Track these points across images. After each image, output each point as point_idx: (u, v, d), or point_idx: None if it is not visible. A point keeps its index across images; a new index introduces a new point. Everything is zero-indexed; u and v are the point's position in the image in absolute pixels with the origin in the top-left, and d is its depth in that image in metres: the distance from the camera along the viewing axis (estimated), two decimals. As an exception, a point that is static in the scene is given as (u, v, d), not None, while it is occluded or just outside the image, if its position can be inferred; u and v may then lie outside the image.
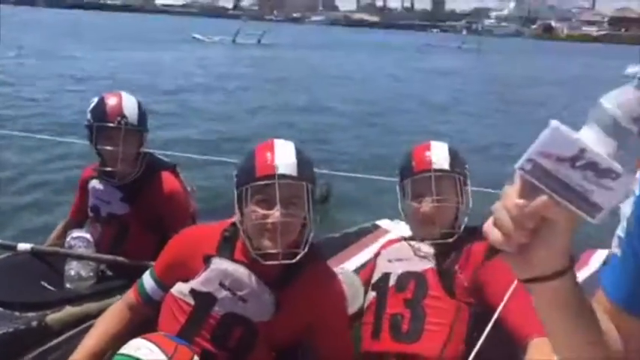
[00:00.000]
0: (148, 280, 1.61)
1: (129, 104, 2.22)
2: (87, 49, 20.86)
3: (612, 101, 0.54)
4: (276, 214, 1.39)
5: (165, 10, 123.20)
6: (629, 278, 0.69)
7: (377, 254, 1.84)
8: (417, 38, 55.83)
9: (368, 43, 42.20)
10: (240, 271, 1.46)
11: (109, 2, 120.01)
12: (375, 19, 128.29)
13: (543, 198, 0.55)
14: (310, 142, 7.52)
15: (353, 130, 9.53)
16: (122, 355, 1.32)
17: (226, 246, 1.52)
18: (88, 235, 2.28)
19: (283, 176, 1.40)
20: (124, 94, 2.25)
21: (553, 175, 0.54)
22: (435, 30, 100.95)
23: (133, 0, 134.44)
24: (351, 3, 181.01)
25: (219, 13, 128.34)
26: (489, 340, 1.36)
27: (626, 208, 0.67)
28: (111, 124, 2.16)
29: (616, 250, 0.71)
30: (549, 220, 0.56)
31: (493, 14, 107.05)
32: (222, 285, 1.45)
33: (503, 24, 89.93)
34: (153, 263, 1.69)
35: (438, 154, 1.68)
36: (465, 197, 1.68)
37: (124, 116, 2.18)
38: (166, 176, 2.30)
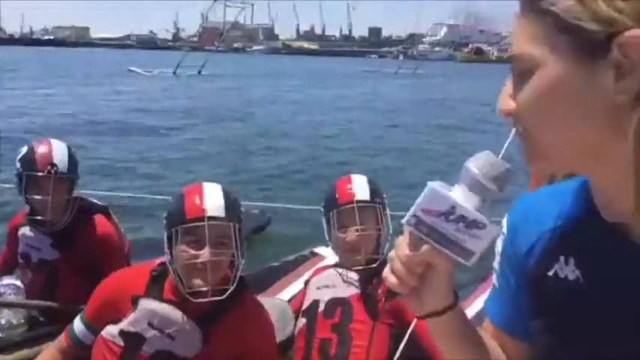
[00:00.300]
0: (78, 324, 1.64)
1: (58, 152, 2.20)
2: (16, 85, 20.20)
3: (475, 164, 0.62)
4: (205, 253, 1.46)
5: (102, 44, 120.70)
6: (506, 305, 0.77)
7: (307, 282, 1.93)
8: (356, 64, 57.34)
9: (308, 71, 42.95)
10: (168, 310, 1.51)
11: (42, 38, 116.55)
12: (314, 46, 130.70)
13: (426, 247, 0.63)
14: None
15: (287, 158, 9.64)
16: None
17: (155, 286, 1.56)
18: (18, 282, 2.26)
19: (212, 218, 1.48)
20: (54, 142, 2.24)
21: (433, 227, 0.62)
22: (373, 56, 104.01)
23: (67, 34, 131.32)
24: (290, 31, 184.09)
25: (159, 45, 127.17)
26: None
27: (499, 244, 0.76)
28: (40, 174, 2.14)
29: (494, 281, 0.80)
30: (433, 265, 0.65)
31: (427, 39, 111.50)
32: (150, 325, 1.50)
33: (437, 49, 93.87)
34: (84, 307, 1.70)
35: (359, 186, 1.80)
36: (385, 224, 1.81)
37: (53, 165, 2.16)
38: (99, 219, 2.30)
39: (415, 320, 1.44)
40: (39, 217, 2.20)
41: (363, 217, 1.76)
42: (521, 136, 0.61)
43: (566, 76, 0.54)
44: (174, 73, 32.65)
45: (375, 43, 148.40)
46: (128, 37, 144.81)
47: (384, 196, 1.86)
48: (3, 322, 2.12)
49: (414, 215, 0.63)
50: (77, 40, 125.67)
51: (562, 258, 0.66)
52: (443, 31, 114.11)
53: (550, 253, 0.68)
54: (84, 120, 13.20)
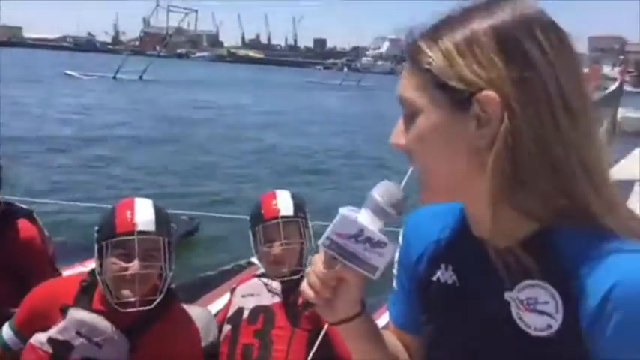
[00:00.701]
0: (7, 330, 1.70)
1: None
2: None
3: (378, 192, 0.74)
4: (135, 266, 1.56)
5: (36, 44, 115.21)
6: (403, 306, 0.91)
7: (232, 290, 2.03)
8: (301, 75, 57.68)
9: (251, 80, 42.82)
10: (96, 320, 1.59)
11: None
12: (259, 55, 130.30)
13: (338, 265, 0.74)
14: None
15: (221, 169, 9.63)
16: None
17: (84, 296, 1.65)
18: None
19: (142, 232, 1.57)
20: None
21: (344, 248, 0.74)
22: (318, 67, 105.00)
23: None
24: (235, 39, 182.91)
25: (98, 48, 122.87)
26: None
27: (396, 254, 0.90)
28: None
29: (394, 284, 0.93)
30: (344, 279, 0.76)
31: (370, 53, 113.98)
32: (78, 333, 1.58)
33: (380, 62, 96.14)
34: (7, 310, 1.76)
35: (283, 202, 1.94)
36: (307, 238, 1.94)
37: None
38: (23, 224, 2.32)
39: (327, 325, 1.59)
40: None
41: (287, 232, 1.90)
42: (415, 171, 0.75)
43: (441, 123, 0.68)
44: (114, 77, 31.73)
45: (320, 54, 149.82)
46: (64, 38, 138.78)
47: (306, 210, 1.99)
48: None
49: (328, 237, 0.74)
50: (9, 39, 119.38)
51: (443, 265, 0.81)
52: (385, 45, 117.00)
53: (434, 261, 0.82)
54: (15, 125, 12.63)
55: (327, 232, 0.75)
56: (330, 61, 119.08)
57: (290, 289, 1.89)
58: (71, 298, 1.63)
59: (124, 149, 11.24)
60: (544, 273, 0.67)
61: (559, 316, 0.66)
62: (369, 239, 0.73)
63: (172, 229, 1.69)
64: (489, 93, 0.63)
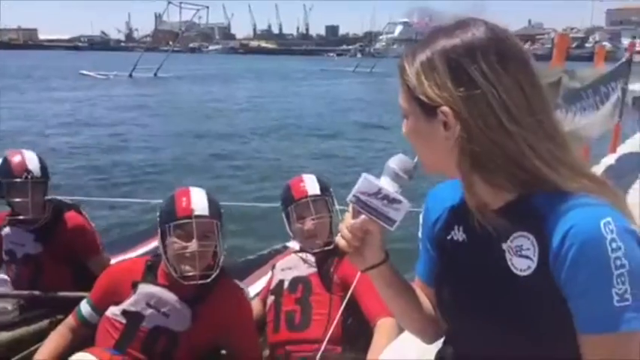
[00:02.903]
0: (85, 306, 1.95)
1: (31, 159, 2.54)
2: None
3: (393, 162, 0.93)
4: (194, 245, 1.77)
5: (51, 45, 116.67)
6: (425, 264, 1.07)
7: (273, 266, 2.25)
8: (314, 63, 57.57)
9: (265, 71, 42.89)
10: (163, 292, 1.83)
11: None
12: (272, 45, 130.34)
13: (363, 217, 0.91)
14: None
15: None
16: None
17: (150, 273, 1.88)
18: (4, 276, 2.59)
19: (198, 216, 1.79)
20: (25, 151, 2.59)
21: (366, 203, 0.90)
22: (331, 54, 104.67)
23: (14, 37, 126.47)
24: (247, 31, 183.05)
25: (112, 46, 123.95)
26: (359, 322, 1.91)
27: (421, 219, 1.09)
28: (18, 180, 2.47)
29: (420, 245, 1.10)
30: (369, 230, 0.92)
31: (383, 37, 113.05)
32: (148, 304, 1.81)
33: (394, 46, 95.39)
34: (61, 294, 2.13)
35: (311, 183, 2.15)
36: (335, 213, 2.15)
37: (29, 171, 2.49)
38: (72, 215, 2.65)
39: (354, 283, 1.81)
40: (21, 217, 2.52)
41: (317, 208, 2.10)
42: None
43: (420, 126, 0.88)
44: (130, 75, 32.06)
45: (332, 41, 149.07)
46: (78, 38, 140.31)
47: (331, 190, 2.21)
48: (-2, 308, 2.42)
49: (354, 195, 0.92)
50: (25, 42, 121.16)
51: (456, 227, 0.98)
52: (398, 29, 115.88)
53: (449, 223, 1.00)
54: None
55: (353, 191, 0.91)
56: (343, 47, 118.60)
57: (323, 259, 2.10)
58: (139, 276, 1.87)
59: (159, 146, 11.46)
60: (526, 226, 0.85)
61: (535, 259, 0.83)
62: (386, 197, 0.90)
63: (222, 214, 1.91)
64: (445, 108, 0.83)
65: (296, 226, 2.15)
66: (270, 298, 2.16)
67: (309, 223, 2.11)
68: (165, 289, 1.82)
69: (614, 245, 0.76)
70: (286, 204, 2.16)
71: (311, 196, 2.12)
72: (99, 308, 1.90)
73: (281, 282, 2.15)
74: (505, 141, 0.82)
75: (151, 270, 1.88)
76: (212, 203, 1.85)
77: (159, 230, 1.83)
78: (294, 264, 2.16)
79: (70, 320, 1.97)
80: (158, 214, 1.86)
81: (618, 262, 0.76)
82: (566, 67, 4.78)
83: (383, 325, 1.87)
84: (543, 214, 0.83)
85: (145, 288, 1.83)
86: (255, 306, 2.25)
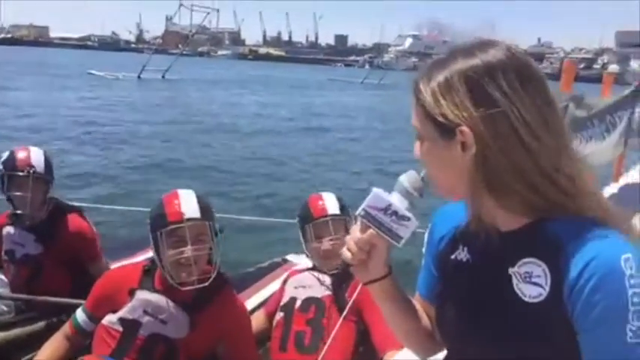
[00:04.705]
0: (80, 314, 1.90)
1: (36, 156, 2.51)
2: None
3: (405, 179, 0.92)
4: (188, 251, 1.71)
5: (61, 43, 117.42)
6: (426, 280, 1.07)
7: (285, 281, 2.18)
8: (322, 72, 57.71)
9: (273, 79, 42.96)
10: (160, 299, 1.77)
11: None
12: (280, 53, 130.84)
13: (371, 232, 0.90)
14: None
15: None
16: None
17: (147, 279, 1.82)
18: (2, 277, 2.56)
19: (190, 219, 1.72)
20: (32, 147, 2.56)
21: (375, 218, 0.90)
22: (339, 64, 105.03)
23: (25, 33, 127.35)
24: (257, 37, 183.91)
25: (121, 47, 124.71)
26: (370, 350, 1.86)
27: (426, 236, 1.07)
28: (20, 173, 2.44)
29: (423, 261, 1.10)
30: (375, 245, 0.92)
31: (392, 49, 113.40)
32: (145, 312, 1.75)
33: (403, 59, 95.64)
34: (58, 300, 2.08)
35: (330, 202, 2.07)
36: None
37: (32, 166, 2.47)
38: (74, 217, 2.60)
39: (356, 292, 1.80)
40: (19, 211, 2.48)
41: (336, 228, 2.03)
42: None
43: (436, 148, 0.86)
44: (138, 77, 32.20)
45: (341, 51, 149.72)
46: (89, 37, 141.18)
47: (350, 209, 2.12)
48: (-6, 308, 2.38)
49: (363, 209, 0.91)
50: (36, 39, 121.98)
51: (460, 246, 0.97)
52: (408, 42, 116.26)
53: (454, 242, 0.99)
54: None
55: (363, 205, 0.91)
56: (352, 58, 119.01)
57: (339, 282, 2.02)
58: (136, 282, 1.81)
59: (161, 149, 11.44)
60: (538, 253, 0.83)
61: (547, 288, 0.82)
62: (395, 213, 0.89)
63: (214, 213, 1.85)
64: (464, 129, 0.81)
65: (313, 245, 2.07)
66: (280, 315, 2.08)
67: (326, 244, 2.04)
68: (163, 296, 1.77)
69: (632, 282, 0.76)
70: (304, 222, 2.09)
71: (330, 216, 2.04)
72: (95, 316, 1.85)
73: (293, 300, 2.07)
74: (524, 161, 0.80)
75: (147, 276, 1.82)
76: (202, 204, 1.79)
77: (151, 237, 1.77)
78: (308, 283, 2.08)
79: (66, 328, 1.92)
80: (148, 221, 1.80)
81: (635, 299, 0.76)
82: (574, 88, 4.79)
83: (390, 358, 1.81)
84: (560, 242, 0.81)
85: (142, 295, 1.77)
86: (259, 317, 2.19)
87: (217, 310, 1.80)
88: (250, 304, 2.66)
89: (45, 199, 2.54)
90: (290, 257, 3.48)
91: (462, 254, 0.96)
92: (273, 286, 2.86)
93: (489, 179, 0.82)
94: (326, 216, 2.04)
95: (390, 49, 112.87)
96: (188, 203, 1.76)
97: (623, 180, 6.20)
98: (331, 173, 10.25)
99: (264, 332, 2.13)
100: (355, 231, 0.92)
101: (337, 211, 2.06)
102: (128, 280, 1.82)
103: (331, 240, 2.03)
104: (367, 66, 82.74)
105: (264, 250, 4.39)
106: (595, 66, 77.75)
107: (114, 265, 2.76)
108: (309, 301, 2.03)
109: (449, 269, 0.98)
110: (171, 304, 1.75)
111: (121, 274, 1.90)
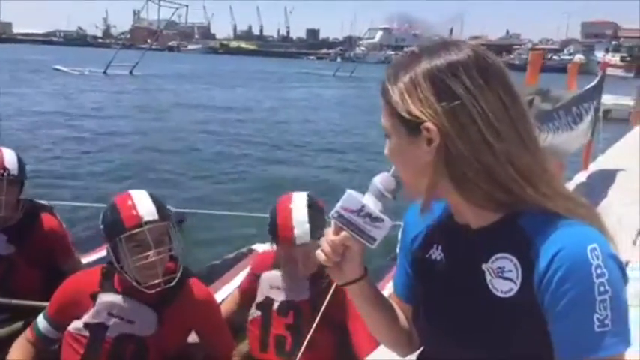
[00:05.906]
0: (42, 321, 1.85)
1: (9, 158, 2.45)
2: None
3: (379, 180, 0.91)
4: (151, 255, 1.69)
5: (25, 39, 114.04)
6: (401, 279, 1.07)
7: (257, 275, 2.11)
8: (294, 65, 57.49)
9: (244, 72, 42.56)
10: (124, 299, 1.74)
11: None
12: (252, 47, 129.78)
13: (344, 234, 0.90)
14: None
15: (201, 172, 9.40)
16: None
17: (107, 281, 1.79)
18: None
19: (148, 222, 1.69)
20: (3, 149, 2.49)
21: (349, 220, 0.89)
22: (311, 57, 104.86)
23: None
24: (227, 31, 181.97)
25: (88, 42, 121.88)
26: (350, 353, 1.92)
27: (399, 234, 1.07)
28: None
29: (397, 260, 1.10)
30: (349, 246, 0.92)
31: (364, 42, 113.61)
32: (110, 314, 1.73)
33: (374, 52, 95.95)
34: (30, 303, 1.98)
35: (298, 212, 1.94)
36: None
37: (5, 169, 2.40)
38: (46, 217, 2.58)
39: (331, 291, 1.78)
40: None
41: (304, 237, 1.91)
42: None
43: (403, 145, 0.87)
44: (104, 72, 31.49)
45: (313, 44, 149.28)
46: (54, 33, 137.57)
47: (323, 210, 1.99)
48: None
49: (337, 211, 0.90)
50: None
51: (434, 245, 0.98)
52: (379, 35, 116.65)
53: (428, 241, 0.99)
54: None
55: (336, 207, 0.91)
56: (323, 51, 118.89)
57: (316, 285, 1.98)
58: (96, 285, 1.78)
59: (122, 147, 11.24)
60: (509, 248, 0.85)
61: (518, 281, 0.83)
62: (369, 215, 0.89)
63: (169, 211, 1.83)
64: (429, 125, 0.83)
65: (281, 252, 2.01)
66: (256, 312, 2.06)
67: (297, 250, 1.95)
68: (127, 296, 1.74)
69: (598, 271, 0.77)
70: (272, 230, 1.99)
71: (298, 225, 1.92)
72: (57, 323, 1.81)
73: (269, 300, 2.04)
74: (485, 154, 0.82)
75: (107, 278, 1.79)
76: (158, 205, 1.76)
77: (107, 242, 1.74)
78: (284, 286, 2.03)
79: (27, 334, 1.87)
80: (101, 225, 1.75)
81: (602, 288, 0.77)
82: (541, 79, 4.88)
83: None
84: (529, 236, 0.83)
85: (104, 297, 1.75)
86: (234, 298, 2.18)
87: (183, 302, 1.79)
88: (220, 296, 2.64)
89: (19, 201, 2.51)
90: (256, 247, 3.47)
91: (435, 253, 0.96)
92: (242, 277, 2.85)
93: (453, 174, 0.83)
94: (292, 228, 1.94)
95: (361, 43, 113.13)
96: (144, 205, 1.71)
97: (592, 167, 6.41)
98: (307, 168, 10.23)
99: (243, 309, 2.12)
100: (329, 233, 0.93)
101: (305, 219, 1.93)
102: (89, 285, 1.79)
103: (298, 245, 1.94)
104: (339, 59, 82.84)
105: (231, 243, 4.34)
106: (562, 56, 79.32)
107: (84, 260, 2.79)
108: (286, 306, 2.01)
109: (424, 268, 0.99)
110: (136, 303, 1.73)
111: (81, 280, 1.87)
